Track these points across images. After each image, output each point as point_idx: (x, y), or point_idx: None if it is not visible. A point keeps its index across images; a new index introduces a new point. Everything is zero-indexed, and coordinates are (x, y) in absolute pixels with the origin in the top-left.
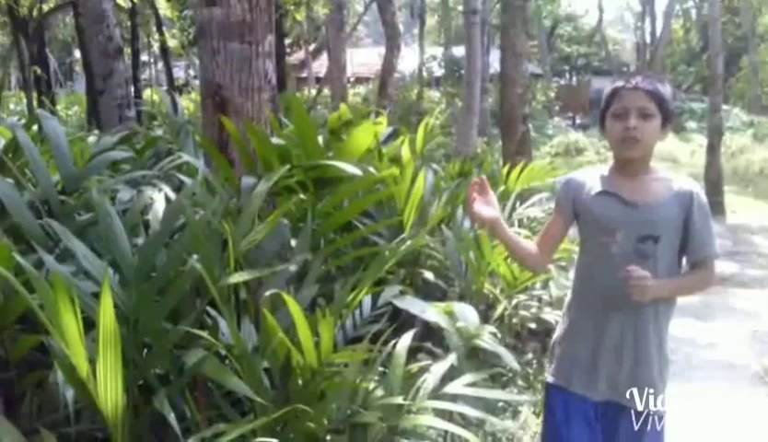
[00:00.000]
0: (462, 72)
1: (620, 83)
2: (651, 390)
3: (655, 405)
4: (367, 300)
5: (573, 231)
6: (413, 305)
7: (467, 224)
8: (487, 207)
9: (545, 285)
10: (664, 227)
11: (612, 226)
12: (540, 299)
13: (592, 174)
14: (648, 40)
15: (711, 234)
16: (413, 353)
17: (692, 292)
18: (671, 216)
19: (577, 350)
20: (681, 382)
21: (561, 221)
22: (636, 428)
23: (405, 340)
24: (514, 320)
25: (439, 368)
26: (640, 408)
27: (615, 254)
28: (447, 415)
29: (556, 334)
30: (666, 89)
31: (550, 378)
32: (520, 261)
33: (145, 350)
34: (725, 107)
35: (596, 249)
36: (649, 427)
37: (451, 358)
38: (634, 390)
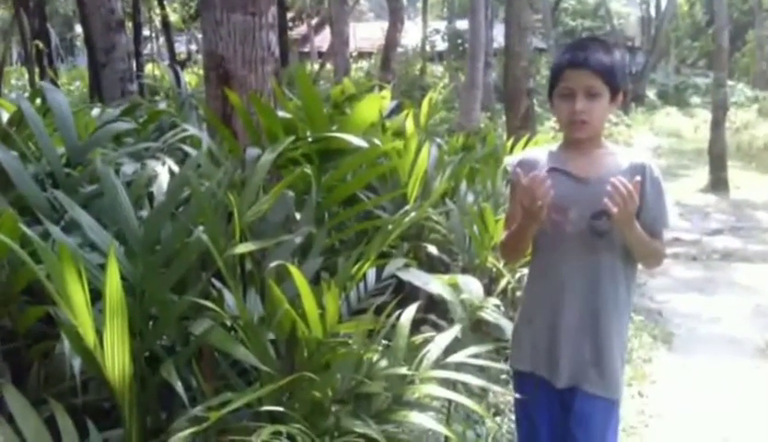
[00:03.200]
0: (466, 46)
1: (564, 60)
2: (613, 376)
3: (615, 393)
4: (372, 273)
5: None
6: (416, 277)
7: (470, 197)
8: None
9: None
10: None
11: (564, 205)
12: None
13: (543, 151)
14: (653, 13)
15: (664, 208)
16: (416, 325)
17: (649, 253)
18: None
19: (537, 335)
20: (685, 355)
21: (520, 205)
22: (588, 412)
23: (410, 311)
24: (517, 294)
25: (443, 339)
26: (598, 393)
27: (569, 233)
28: (450, 386)
29: (516, 319)
30: (614, 59)
31: (516, 365)
32: (516, 250)
33: (152, 321)
34: (729, 82)
35: (549, 229)
36: (602, 413)
37: (455, 330)
38: (592, 375)
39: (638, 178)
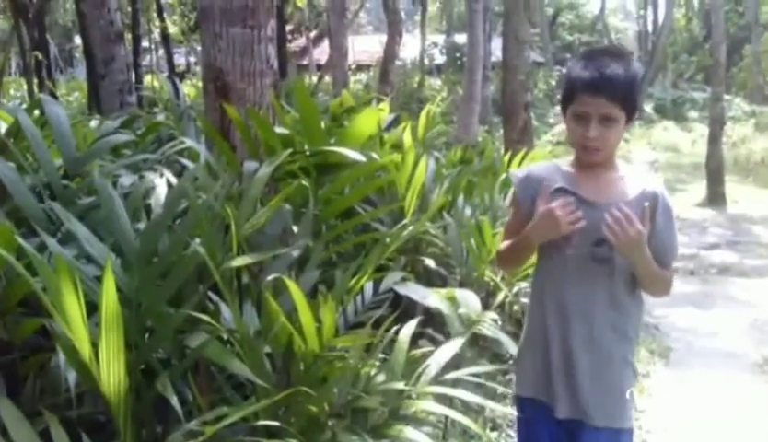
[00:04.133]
0: (464, 59)
1: (580, 84)
2: (616, 407)
3: (621, 423)
4: (369, 286)
5: None
6: (414, 291)
7: (468, 211)
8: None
9: None
10: None
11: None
12: None
13: (551, 168)
14: (650, 28)
15: (674, 238)
16: (414, 339)
17: (656, 281)
18: None
19: (537, 360)
20: (682, 370)
21: (521, 220)
22: None
23: (409, 326)
24: (515, 307)
25: (442, 355)
26: (602, 425)
27: (570, 258)
28: (447, 401)
29: (520, 343)
30: (633, 76)
31: (518, 391)
32: (515, 261)
33: (148, 333)
34: (726, 96)
35: (551, 251)
36: None
37: (454, 345)
38: (597, 407)
39: (647, 203)
